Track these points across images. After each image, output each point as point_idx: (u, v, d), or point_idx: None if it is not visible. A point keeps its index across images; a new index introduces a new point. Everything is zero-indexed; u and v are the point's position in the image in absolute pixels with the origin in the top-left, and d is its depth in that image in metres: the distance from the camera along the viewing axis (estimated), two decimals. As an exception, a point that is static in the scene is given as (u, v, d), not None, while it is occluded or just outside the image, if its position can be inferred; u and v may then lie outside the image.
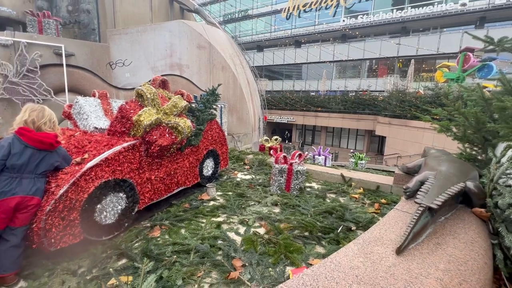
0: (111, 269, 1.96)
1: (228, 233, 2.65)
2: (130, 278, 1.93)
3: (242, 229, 2.79)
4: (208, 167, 4.00)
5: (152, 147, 2.73)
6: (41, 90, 5.31)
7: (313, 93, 29.91)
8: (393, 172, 4.60)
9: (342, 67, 29.71)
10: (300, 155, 3.99)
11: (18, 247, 1.92)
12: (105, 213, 2.40)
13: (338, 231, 2.70)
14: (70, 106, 3.31)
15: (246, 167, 5.19)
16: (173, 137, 2.88)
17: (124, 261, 2.19)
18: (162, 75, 6.93)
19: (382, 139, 22.77)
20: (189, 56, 6.96)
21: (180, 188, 3.43)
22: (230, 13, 35.35)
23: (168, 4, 8.14)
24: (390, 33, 26.30)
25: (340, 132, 26.83)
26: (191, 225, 2.81)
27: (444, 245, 1.81)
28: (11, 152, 1.88)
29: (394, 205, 3.10)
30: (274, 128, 29.73)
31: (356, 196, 3.72)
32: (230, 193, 3.79)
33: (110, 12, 6.75)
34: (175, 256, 2.17)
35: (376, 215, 3.12)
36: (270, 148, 6.17)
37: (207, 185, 3.71)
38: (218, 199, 3.58)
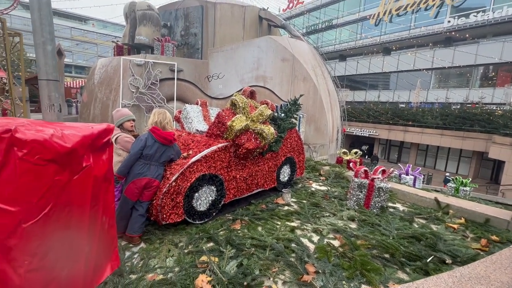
0: (204, 248, 2.35)
1: (301, 238, 2.73)
2: (217, 259, 2.26)
3: (315, 238, 2.81)
4: (285, 173, 4.18)
5: (240, 149, 3.10)
6: (158, 98, 6.73)
7: (403, 105, 26.55)
8: (513, 205, 3.68)
9: (443, 76, 25.30)
10: (383, 171, 3.69)
11: (143, 216, 2.54)
12: (200, 201, 2.88)
13: (428, 260, 2.38)
14: (180, 112, 4.11)
15: (322, 178, 5.12)
16: (258, 141, 3.19)
17: (211, 244, 2.56)
18: (248, 86, 7.64)
19: (498, 164, 18.03)
20: (273, 68, 7.43)
21: (259, 190, 3.71)
22: (314, 24, 35.44)
23: (258, 22, 8.94)
24: (519, 32, 20.84)
25: (437, 151, 22.71)
26: (267, 225, 3.02)
27: None
28: (146, 144, 2.53)
29: (511, 245, 2.51)
30: (352, 141, 27.74)
31: (455, 226, 3.16)
32: (304, 201, 3.85)
33: (211, 33, 7.96)
34: (253, 249, 2.40)
35: (482, 253, 2.58)
36: (349, 161, 5.88)
37: (282, 190, 3.89)
38: (293, 205, 3.69)
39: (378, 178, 3.55)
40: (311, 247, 2.61)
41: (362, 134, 25.58)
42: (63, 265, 1.50)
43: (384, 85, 30.58)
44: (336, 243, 2.71)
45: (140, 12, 6.93)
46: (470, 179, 6.20)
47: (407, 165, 6.14)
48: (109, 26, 45.10)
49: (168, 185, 2.54)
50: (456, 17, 23.59)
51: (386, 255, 2.49)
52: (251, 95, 4.12)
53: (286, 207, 3.58)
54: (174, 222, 2.70)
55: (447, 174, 17.26)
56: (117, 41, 7.91)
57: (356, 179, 3.58)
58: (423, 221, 3.37)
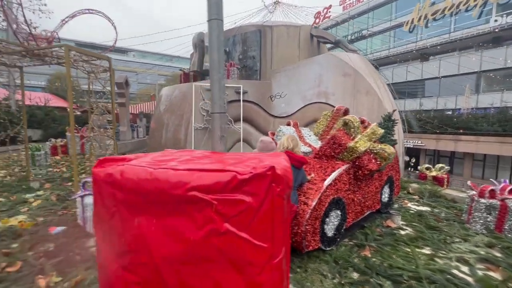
0: (372, 279, 2.21)
1: (450, 270, 2.47)
2: (377, 292, 2.10)
3: (463, 268, 2.53)
4: (385, 194, 3.95)
5: (362, 171, 2.99)
6: (226, 120, 6.94)
7: (449, 112, 24.80)
8: None
9: (495, 78, 23.32)
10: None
11: (283, 243, 2.50)
12: (329, 226, 2.78)
13: None
14: (273, 134, 4.15)
15: (414, 197, 4.77)
16: (378, 162, 3.06)
17: (355, 274, 2.41)
18: (310, 103, 7.63)
19: None
20: (335, 84, 7.36)
21: (368, 212, 3.52)
22: (344, 36, 35.36)
23: (310, 41, 9.07)
24: None
25: (497, 161, 20.53)
26: (397, 251, 2.81)
27: None
28: (282, 170, 2.53)
29: None
30: (395, 153, 26.10)
31: None
32: (415, 223, 3.57)
33: (269, 55, 8.21)
34: (412, 282, 2.21)
35: None
36: (435, 178, 5.46)
37: (391, 212, 3.66)
38: (406, 229, 3.43)
39: (510, 198, 3.18)
40: (467, 278, 2.35)
41: (406, 145, 24.06)
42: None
43: (425, 92, 29.01)
44: (494, 274, 2.41)
45: (208, 41, 7.42)
46: None
47: (503, 180, 5.52)
48: (147, 55, 49.37)
49: (310, 210, 2.49)
50: (504, 15, 22.04)
51: None
52: (345, 113, 4.06)
53: (402, 231, 3.34)
54: (312, 250, 2.61)
55: (504, 180, 15.36)
56: (184, 69, 8.49)
57: (482, 200, 3.25)
58: None
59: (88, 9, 5.81)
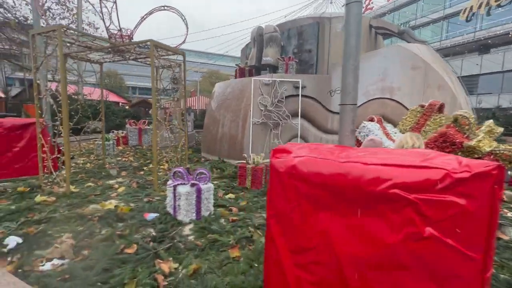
0: None
1: None
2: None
3: None
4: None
5: (480, 174, 2.64)
6: (284, 115, 6.82)
7: (514, 111, 21.97)
8: None
9: None
10: None
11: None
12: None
13: None
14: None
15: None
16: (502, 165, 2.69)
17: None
18: (372, 99, 7.17)
19: None
20: (402, 78, 6.81)
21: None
22: (389, 29, 33.07)
23: (368, 33, 8.51)
24: None
25: None
26: (523, 267, 2.44)
27: None
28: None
29: None
30: (446, 155, 23.96)
31: None
32: (529, 236, 3.10)
33: (326, 48, 7.88)
34: None
35: None
36: (532, 184, 4.75)
37: (501, 222, 3.22)
38: (521, 242, 3.00)
39: None
40: None
41: (460, 147, 21.88)
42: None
43: (483, 88, 26.10)
44: None
45: (268, 35, 7.34)
46: None
47: None
48: (191, 54, 51.61)
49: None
50: None
51: None
52: (440, 109, 3.68)
53: (518, 244, 2.92)
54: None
55: None
56: (239, 64, 8.55)
57: None
58: None
59: (164, 6, 6.08)
